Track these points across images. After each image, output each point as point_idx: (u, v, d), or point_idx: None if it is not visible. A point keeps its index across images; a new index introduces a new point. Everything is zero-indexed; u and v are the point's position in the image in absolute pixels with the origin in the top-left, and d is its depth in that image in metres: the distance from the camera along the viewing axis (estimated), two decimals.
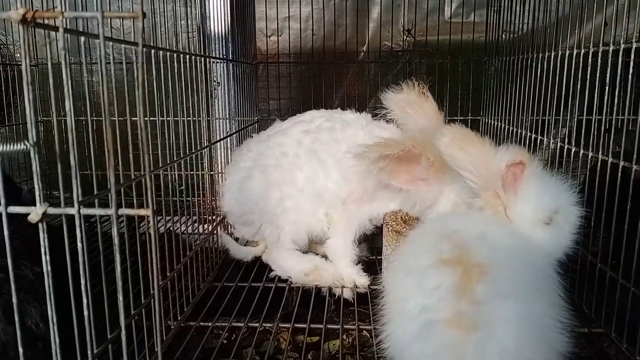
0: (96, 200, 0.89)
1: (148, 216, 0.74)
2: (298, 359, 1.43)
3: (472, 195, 1.22)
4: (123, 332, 0.78)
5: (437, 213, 1.57)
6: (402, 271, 1.05)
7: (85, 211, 0.76)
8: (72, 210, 0.75)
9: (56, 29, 0.71)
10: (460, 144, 1.15)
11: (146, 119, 0.71)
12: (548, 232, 1.19)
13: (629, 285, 1.24)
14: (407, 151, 1.40)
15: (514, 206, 1.18)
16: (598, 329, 1.38)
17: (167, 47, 1.40)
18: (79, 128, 0.77)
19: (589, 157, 1.44)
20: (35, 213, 0.73)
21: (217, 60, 2.11)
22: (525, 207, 1.18)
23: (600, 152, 1.38)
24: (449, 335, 0.92)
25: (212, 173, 2.08)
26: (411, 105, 1.64)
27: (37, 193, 0.74)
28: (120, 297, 0.79)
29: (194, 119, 1.59)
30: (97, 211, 0.77)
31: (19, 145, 0.72)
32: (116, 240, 0.78)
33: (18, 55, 2.40)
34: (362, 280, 1.71)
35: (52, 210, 0.74)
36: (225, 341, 1.48)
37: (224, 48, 2.19)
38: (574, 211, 1.18)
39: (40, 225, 0.74)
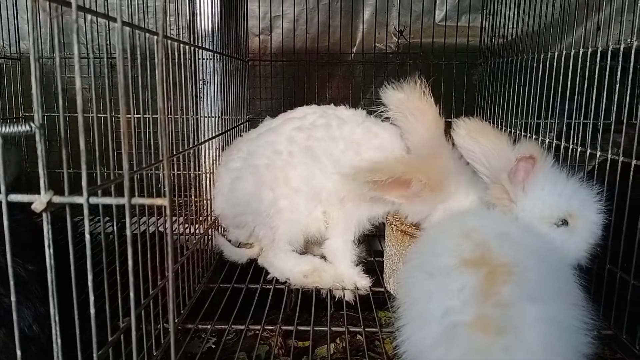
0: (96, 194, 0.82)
1: (165, 207, 0.68)
2: None
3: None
4: (133, 323, 0.72)
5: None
6: (422, 271, 1.00)
7: (94, 200, 0.70)
8: (80, 199, 0.68)
9: (68, 4, 0.65)
10: (475, 136, 1.12)
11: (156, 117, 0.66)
12: (557, 233, 1.17)
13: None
14: (397, 178, 1.37)
15: (520, 202, 1.15)
16: (607, 331, 1.35)
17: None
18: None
19: (587, 155, 1.42)
20: (39, 202, 0.67)
21: (208, 54, 2.04)
22: (532, 204, 1.15)
23: (598, 150, 1.38)
24: (475, 339, 0.87)
25: (199, 173, 2.01)
26: (412, 110, 1.58)
27: (41, 180, 0.67)
28: (132, 294, 0.73)
29: (183, 117, 1.53)
30: (108, 200, 0.71)
31: (22, 126, 0.66)
32: (129, 232, 0.72)
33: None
34: (363, 282, 1.66)
35: (57, 199, 0.67)
36: (227, 343, 1.42)
37: (214, 44, 2.12)
38: (594, 218, 1.15)
39: (44, 215, 0.68)
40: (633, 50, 1.23)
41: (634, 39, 1.24)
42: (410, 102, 1.59)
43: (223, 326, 1.43)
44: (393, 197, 1.50)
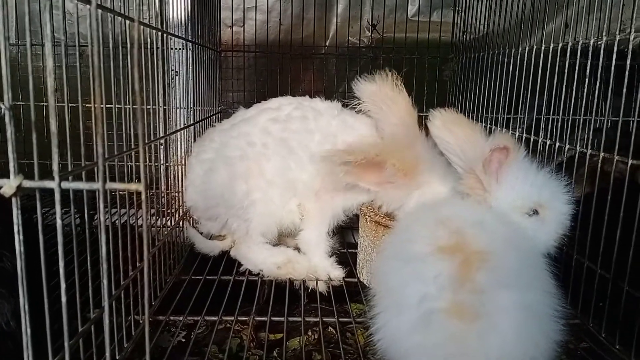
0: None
1: (139, 192, 0.67)
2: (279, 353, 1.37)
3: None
4: (106, 311, 0.70)
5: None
6: (397, 259, 1.01)
7: (66, 185, 0.67)
8: (51, 184, 0.66)
9: None
10: (450, 127, 1.13)
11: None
12: (528, 223, 1.19)
13: (609, 276, 1.25)
14: (371, 159, 1.38)
15: (494, 191, 1.17)
16: (575, 320, 1.38)
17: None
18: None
19: (556, 148, 1.46)
20: (8, 186, 0.64)
21: (179, 44, 2.00)
22: (505, 194, 1.17)
23: (567, 144, 1.42)
24: (451, 325, 0.88)
25: (169, 164, 1.97)
26: (385, 100, 1.60)
27: (11, 164, 0.65)
28: (105, 282, 0.71)
29: (153, 107, 1.49)
30: (81, 185, 0.68)
31: None
32: (102, 217, 0.70)
33: None
34: (337, 273, 1.66)
35: (27, 184, 0.65)
36: (198, 336, 1.41)
37: (186, 34, 2.09)
38: (563, 209, 1.17)
39: (13, 200, 0.65)
40: (602, 48, 1.27)
41: (605, 35, 1.28)
42: (382, 92, 1.60)
43: (195, 318, 1.41)
44: (367, 183, 1.50)
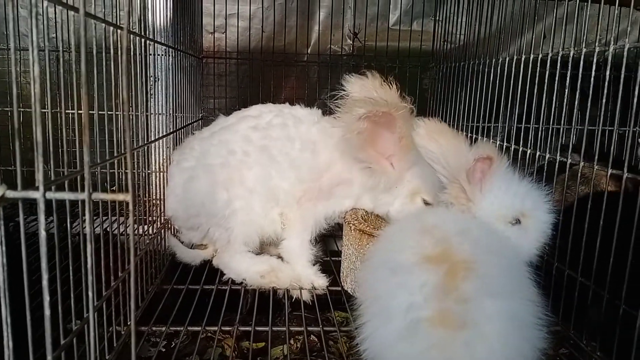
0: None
1: (127, 202, 0.66)
2: None
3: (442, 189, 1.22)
4: (92, 321, 0.69)
5: (395, 211, 1.59)
6: (384, 268, 1.01)
7: (51, 195, 0.66)
8: (35, 194, 0.65)
9: None
10: (434, 137, 1.14)
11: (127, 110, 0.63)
12: (512, 232, 1.21)
13: (589, 283, 1.27)
14: (389, 112, 1.42)
15: (478, 201, 1.19)
16: (556, 327, 1.40)
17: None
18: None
19: (537, 156, 1.48)
20: None
21: (160, 50, 1.98)
22: (489, 203, 1.18)
23: (547, 152, 1.44)
24: (437, 334, 0.88)
25: (149, 172, 1.94)
26: (377, 89, 1.59)
27: None
28: (90, 294, 0.70)
29: (133, 114, 1.47)
30: (66, 195, 0.67)
31: None
32: (88, 228, 0.69)
33: None
34: (321, 282, 1.66)
35: (11, 194, 0.63)
36: (180, 346, 1.39)
37: (167, 40, 2.07)
38: (544, 218, 1.19)
39: None
40: (582, 58, 1.30)
41: (583, 46, 1.31)
42: (373, 84, 1.60)
43: (178, 328, 1.39)
44: (367, 156, 1.54)
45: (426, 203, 1.59)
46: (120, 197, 0.66)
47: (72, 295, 0.90)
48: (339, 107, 1.50)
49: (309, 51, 2.64)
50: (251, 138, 1.73)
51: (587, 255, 1.27)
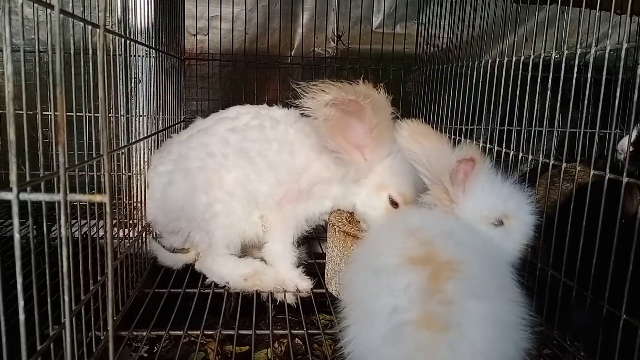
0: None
1: (104, 203, 0.64)
2: None
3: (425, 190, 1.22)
4: (68, 328, 0.67)
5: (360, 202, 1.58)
6: (368, 270, 1.00)
7: (25, 196, 0.64)
8: (8, 195, 0.63)
9: None
10: (418, 138, 1.14)
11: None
12: (494, 232, 1.21)
13: (572, 284, 1.28)
14: (357, 101, 1.40)
15: (461, 202, 1.19)
16: (540, 327, 1.41)
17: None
18: None
19: (519, 158, 1.49)
20: None
21: (142, 51, 1.96)
22: (472, 204, 1.19)
23: (530, 154, 1.45)
24: (421, 336, 0.87)
25: (130, 174, 1.91)
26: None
27: None
28: (67, 298, 0.68)
29: (114, 115, 1.45)
30: (40, 196, 0.65)
31: None
32: (63, 231, 0.67)
33: None
34: (305, 284, 1.64)
35: None
36: (162, 350, 1.36)
37: (149, 41, 2.04)
38: (527, 220, 1.19)
39: None
40: (564, 61, 1.31)
41: (564, 49, 1.32)
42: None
43: (160, 332, 1.36)
44: (337, 143, 1.52)
45: (392, 202, 1.56)
46: (97, 198, 0.64)
47: (49, 300, 0.88)
48: (306, 93, 1.46)
49: (292, 54, 2.63)
50: (229, 140, 1.71)
51: (570, 256, 1.28)
